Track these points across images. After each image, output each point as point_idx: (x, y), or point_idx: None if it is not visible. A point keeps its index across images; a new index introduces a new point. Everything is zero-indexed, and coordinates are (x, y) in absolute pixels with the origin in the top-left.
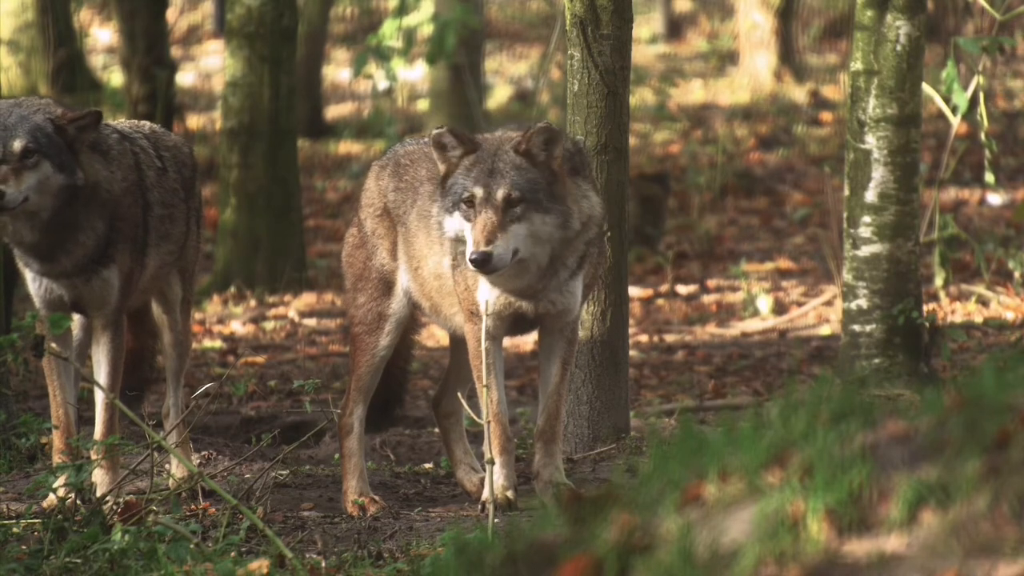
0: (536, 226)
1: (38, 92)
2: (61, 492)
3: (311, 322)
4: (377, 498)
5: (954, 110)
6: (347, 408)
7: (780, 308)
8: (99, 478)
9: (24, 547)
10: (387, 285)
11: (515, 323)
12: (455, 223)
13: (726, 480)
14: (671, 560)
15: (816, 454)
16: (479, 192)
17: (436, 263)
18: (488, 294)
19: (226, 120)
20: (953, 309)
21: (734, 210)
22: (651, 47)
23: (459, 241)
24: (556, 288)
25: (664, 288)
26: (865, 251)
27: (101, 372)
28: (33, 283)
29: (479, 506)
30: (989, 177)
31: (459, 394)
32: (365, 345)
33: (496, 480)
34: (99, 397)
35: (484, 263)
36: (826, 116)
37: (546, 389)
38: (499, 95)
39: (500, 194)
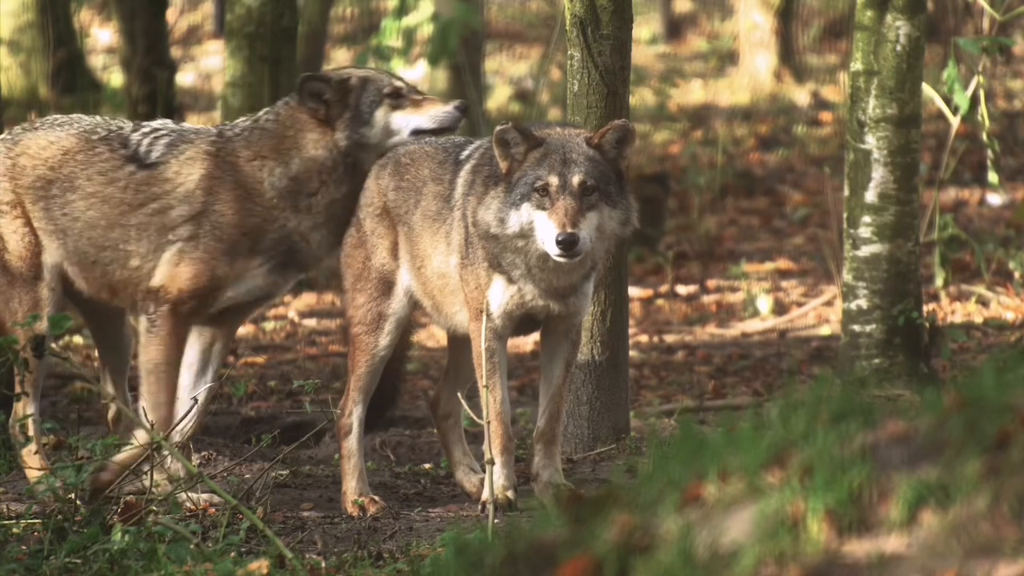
0: (604, 219)
1: (38, 92)
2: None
3: (311, 322)
4: (377, 498)
5: (955, 110)
6: (346, 408)
7: (780, 308)
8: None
9: (24, 547)
10: (387, 285)
11: (522, 324)
12: (522, 216)
13: (726, 480)
14: (671, 560)
15: (816, 454)
16: (555, 180)
17: (441, 262)
18: (501, 294)
19: (226, 120)
20: (953, 309)
21: (734, 210)
22: (651, 47)
23: (520, 236)
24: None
25: (664, 288)
26: (865, 251)
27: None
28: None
29: (479, 506)
30: (992, 177)
31: (459, 394)
32: (365, 345)
33: (496, 480)
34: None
35: (571, 244)
36: (826, 116)
37: (548, 391)
38: (499, 95)
39: (576, 180)
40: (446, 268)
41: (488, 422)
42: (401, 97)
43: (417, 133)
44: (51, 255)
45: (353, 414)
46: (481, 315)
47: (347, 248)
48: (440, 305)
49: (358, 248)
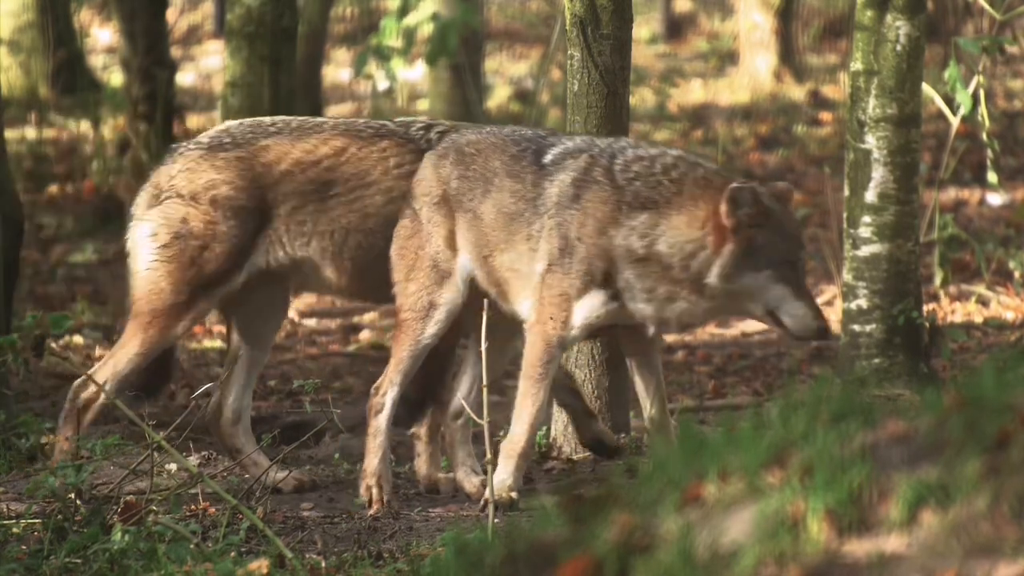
0: None
1: (38, 92)
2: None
3: (311, 322)
4: (386, 493)
5: (956, 110)
6: (381, 388)
7: None
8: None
9: (24, 547)
10: (441, 274)
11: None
12: (760, 281)
13: (726, 480)
14: (671, 560)
15: (816, 454)
16: (803, 257)
17: (515, 259)
18: (596, 307)
19: (226, 120)
20: (953, 309)
21: None
22: (651, 47)
23: (743, 295)
24: None
25: None
26: (865, 251)
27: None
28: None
29: (480, 506)
30: (992, 177)
31: (458, 394)
32: (412, 331)
33: (504, 480)
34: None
35: (826, 333)
36: (826, 116)
37: (650, 381)
38: (499, 95)
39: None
40: (520, 265)
41: (487, 422)
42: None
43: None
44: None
45: (388, 395)
46: (550, 320)
47: (401, 240)
48: (506, 293)
49: (412, 238)
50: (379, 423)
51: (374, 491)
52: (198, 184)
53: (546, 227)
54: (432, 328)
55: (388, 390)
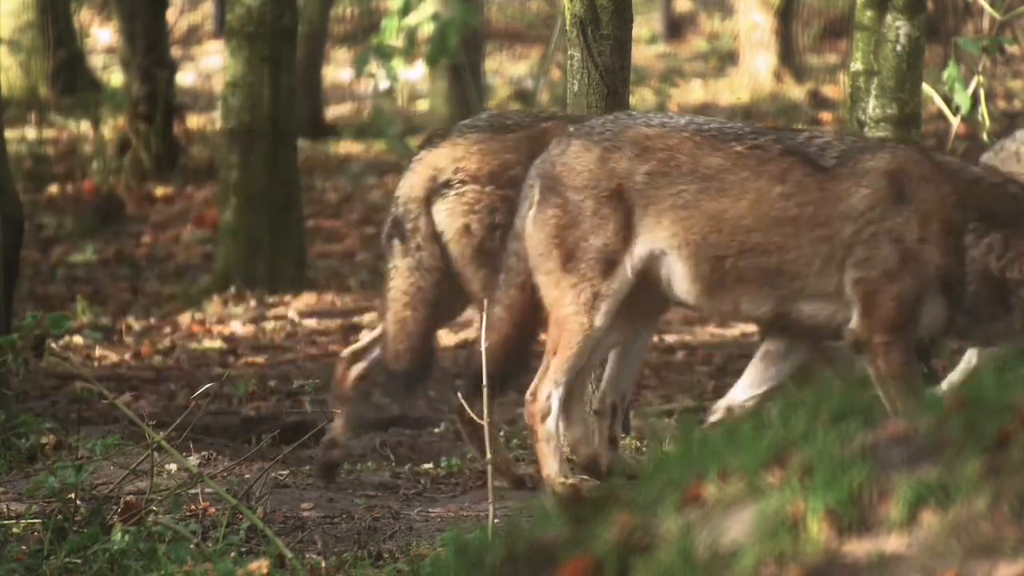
0: None
1: (38, 92)
2: None
3: (311, 322)
4: (585, 476)
5: (956, 110)
6: (542, 390)
7: None
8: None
9: (24, 547)
10: (608, 265)
11: None
12: None
13: (726, 480)
14: (671, 560)
15: (816, 454)
16: None
17: (788, 262)
18: (935, 316)
19: (226, 120)
20: None
21: None
22: (651, 47)
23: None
24: None
25: None
26: None
27: None
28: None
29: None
30: None
31: (458, 394)
32: (577, 325)
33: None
34: None
35: None
36: (826, 116)
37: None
38: (499, 95)
39: None
40: (798, 267)
41: (487, 422)
42: None
43: None
44: None
45: (552, 396)
46: (894, 330)
47: (552, 229)
48: (728, 292)
49: (570, 228)
50: (549, 427)
51: (573, 488)
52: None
53: (867, 235)
54: (600, 320)
55: (552, 392)
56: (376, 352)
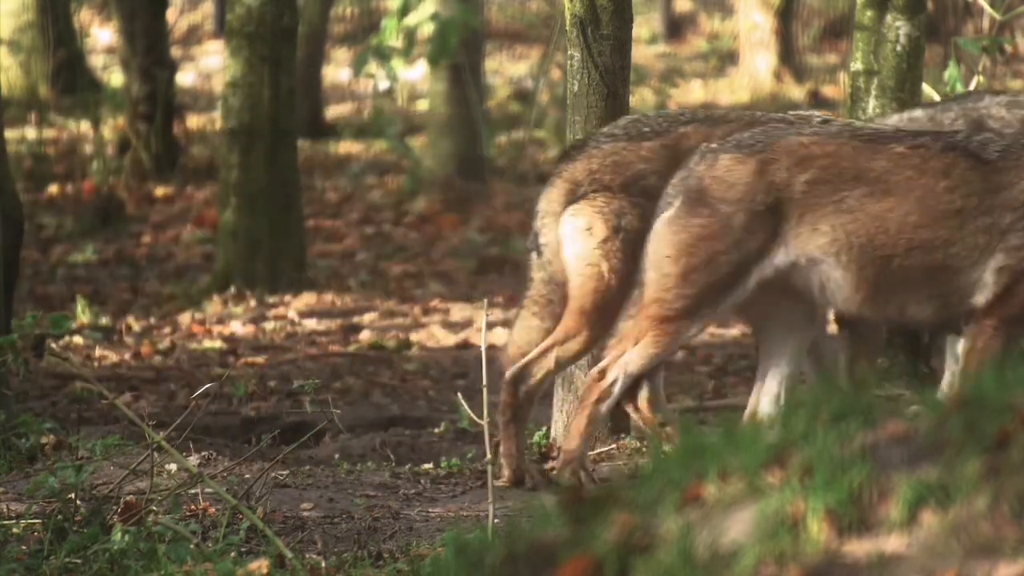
0: None
1: (38, 92)
2: None
3: (311, 322)
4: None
5: None
6: (611, 373)
7: None
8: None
9: (24, 547)
10: (735, 278)
11: None
12: None
13: (726, 480)
14: (671, 560)
15: (816, 454)
16: None
17: (949, 256)
18: None
19: (226, 120)
20: None
21: None
22: (651, 47)
23: None
24: None
25: None
26: None
27: None
28: None
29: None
30: None
31: (458, 395)
32: (674, 328)
33: None
34: None
35: None
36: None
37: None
38: (499, 95)
39: None
40: (957, 261)
41: (487, 422)
42: None
43: None
44: None
45: (618, 384)
46: (1013, 320)
47: (688, 237)
48: (896, 298)
49: (709, 241)
50: (600, 411)
51: (582, 475)
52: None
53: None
54: (695, 330)
55: (619, 379)
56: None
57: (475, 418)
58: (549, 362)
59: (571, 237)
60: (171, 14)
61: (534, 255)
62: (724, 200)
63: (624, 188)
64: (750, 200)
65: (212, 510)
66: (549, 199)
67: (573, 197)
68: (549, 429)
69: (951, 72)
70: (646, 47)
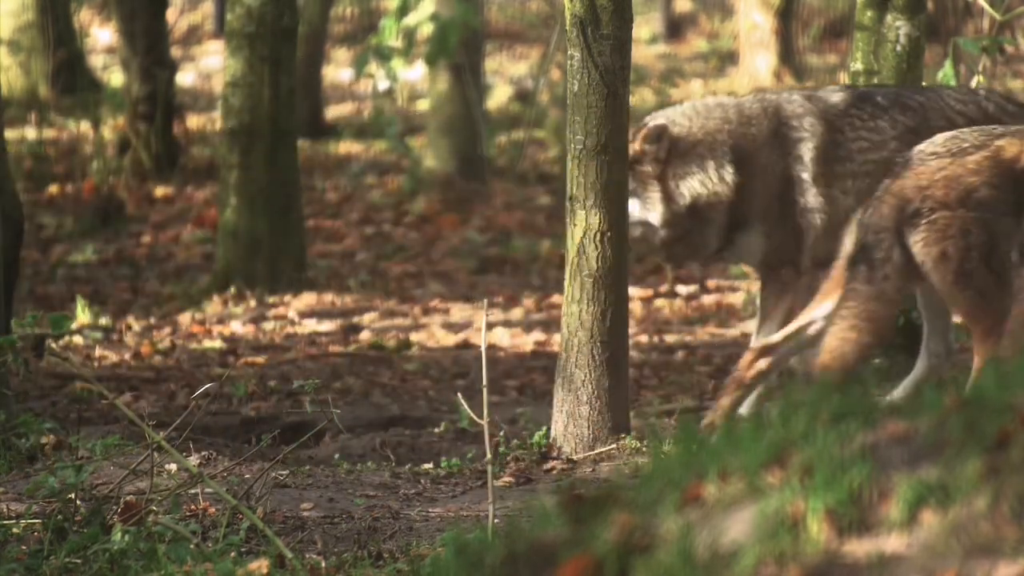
0: None
1: (38, 92)
2: None
3: (311, 322)
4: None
5: None
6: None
7: None
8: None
9: (24, 547)
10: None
11: None
12: None
13: (726, 480)
14: (671, 560)
15: (816, 454)
16: None
17: None
18: None
19: (226, 120)
20: None
21: None
22: (651, 47)
23: None
24: None
25: (664, 288)
26: None
27: None
28: None
29: None
30: None
31: (458, 395)
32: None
33: None
34: None
35: None
36: None
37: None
38: (499, 95)
39: None
40: None
41: (487, 422)
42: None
43: None
44: None
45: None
46: None
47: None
48: None
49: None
50: None
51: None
52: None
53: None
54: None
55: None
56: (784, 350)
57: (475, 418)
58: None
59: (930, 267)
60: (171, 14)
61: (862, 267)
62: None
63: (959, 202)
64: None
65: (212, 510)
66: (881, 215)
67: (904, 214)
68: (549, 428)
69: (947, 71)
70: (646, 47)
